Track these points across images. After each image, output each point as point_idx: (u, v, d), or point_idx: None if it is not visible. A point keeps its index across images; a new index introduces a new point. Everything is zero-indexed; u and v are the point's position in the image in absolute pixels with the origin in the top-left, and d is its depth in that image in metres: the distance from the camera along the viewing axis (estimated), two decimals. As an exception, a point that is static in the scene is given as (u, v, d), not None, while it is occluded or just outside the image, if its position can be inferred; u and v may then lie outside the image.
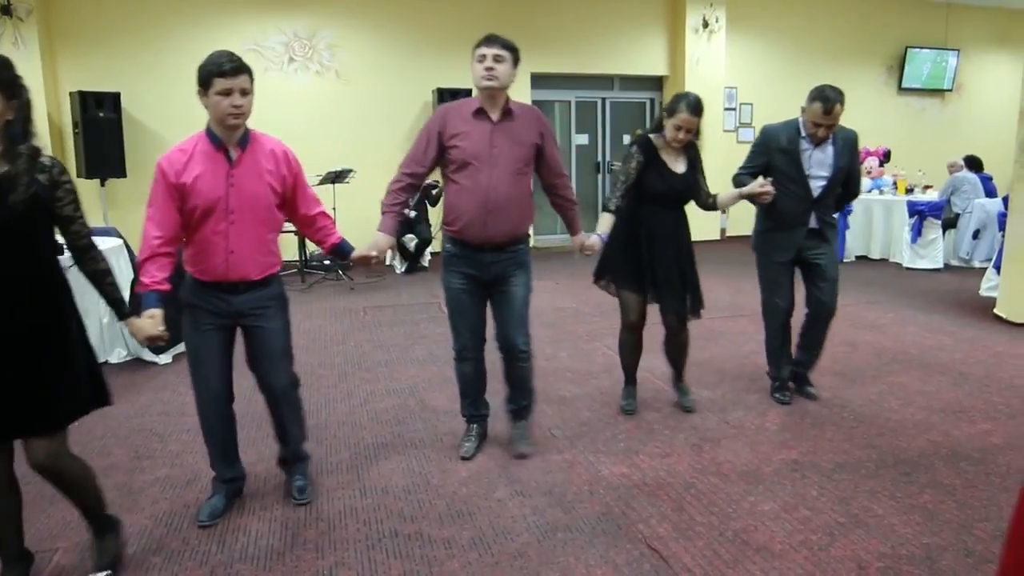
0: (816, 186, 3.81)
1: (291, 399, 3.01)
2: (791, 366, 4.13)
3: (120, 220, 7.49)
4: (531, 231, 3.19)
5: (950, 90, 12.32)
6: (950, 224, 8.44)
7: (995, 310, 5.93)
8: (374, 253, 3.08)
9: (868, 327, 5.73)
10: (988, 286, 6.50)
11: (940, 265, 8.25)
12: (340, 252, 3.05)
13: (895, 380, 4.46)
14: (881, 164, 9.20)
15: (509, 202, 3.11)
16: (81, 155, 7.70)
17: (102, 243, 5.08)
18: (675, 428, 3.73)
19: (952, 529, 2.77)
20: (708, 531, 2.76)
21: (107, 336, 4.95)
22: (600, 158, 10.65)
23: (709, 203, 3.86)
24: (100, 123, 7.68)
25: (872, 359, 4.89)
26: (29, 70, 7.57)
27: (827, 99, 3.66)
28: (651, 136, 3.68)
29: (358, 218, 8.79)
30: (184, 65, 8.25)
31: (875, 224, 8.91)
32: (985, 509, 2.91)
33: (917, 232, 8.31)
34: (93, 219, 8.35)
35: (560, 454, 3.44)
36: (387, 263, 8.66)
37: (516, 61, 3.22)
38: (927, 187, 9.32)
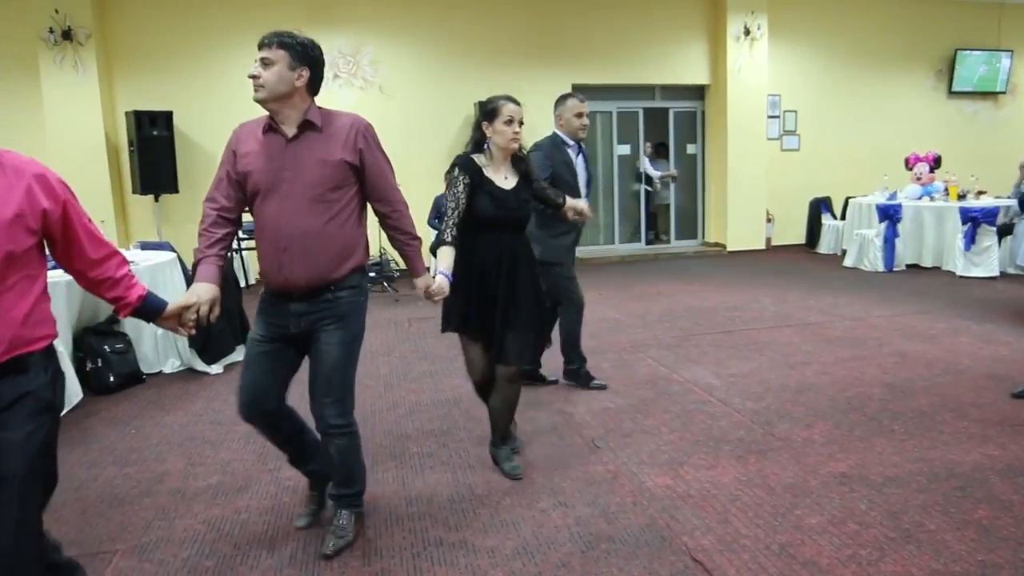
0: (582, 188, 4.24)
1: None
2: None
3: (173, 235, 7.73)
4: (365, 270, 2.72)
5: (1004, 92, 11.99)
6: (1006, 231, 8.19)
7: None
8: (193, 300, 2.37)
9: (919, 337, 5.60)
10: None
11: (996, 273, 8.01)
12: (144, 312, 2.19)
13: (947, 392, 4.35)
14: (931, 170, 8.99)
15: (307, 238, 2.50)
16: (136, 172, 7.98)
17: (156, 257, 5.29)
18: (720, 440, 3.70)
19: (1009, 546, 2.69)
20: (753, 544, 2.73)
21: (160, 347, 5.11)
22: (642, 168, 10.63)
23: (560, 202, 3.54)
24: (154, 141, 7.95)
25: (923, 370, 4.78)
26: (88, 92, 7.92)
27: (577, 94, 4.09)
28: (472, 156, 3.22)
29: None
30: (232, 84, 8.54)
31: (926, 232, 8.70)
32: (1044, 525, 2.83)
33: (971, 239, 8.09)
34: (148, 234, 8.62)
35: (603, 465, 3.44)
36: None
37: (302, 59, 2.61)
38: (980, 192, 9.08)
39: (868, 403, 4.12)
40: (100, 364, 4.64)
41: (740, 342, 5.42)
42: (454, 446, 3.73)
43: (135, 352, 4.90)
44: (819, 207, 10.52)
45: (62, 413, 2.24)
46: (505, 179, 3.23)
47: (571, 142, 4.22)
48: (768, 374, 4.73)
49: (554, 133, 4.28)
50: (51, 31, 7.79)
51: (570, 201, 3.58)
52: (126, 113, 8.05)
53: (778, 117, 10.80)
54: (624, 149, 10.53)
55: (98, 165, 8.05)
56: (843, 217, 9.97)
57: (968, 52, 11.58)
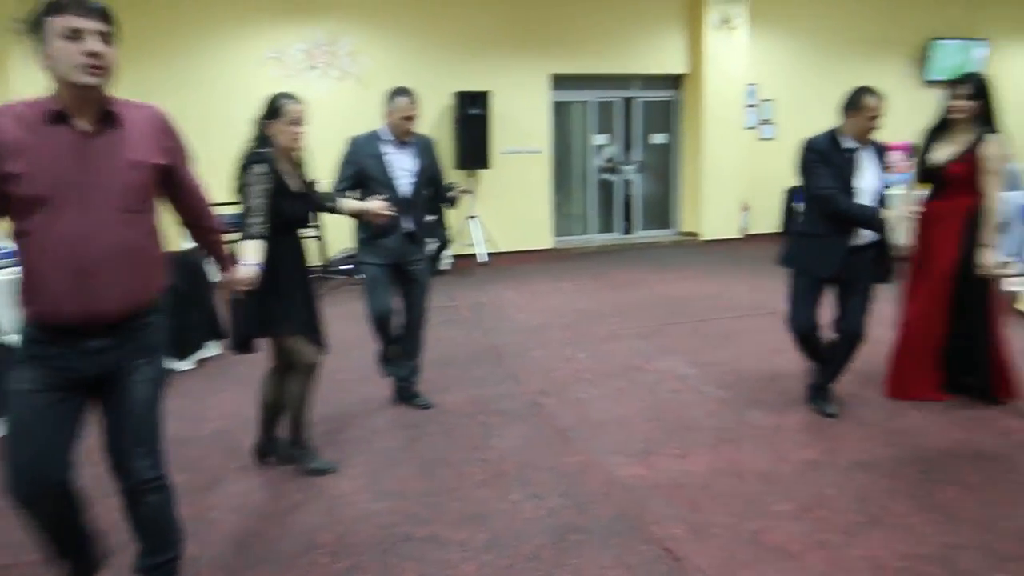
0: (404, 186, 3.94)
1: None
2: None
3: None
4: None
5: (977, 81, 12.09)
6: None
7: (1017, 304, 5.82)
8: None
9: (891, 324, 5.63)
10: (1012, 281, 6.37)
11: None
12: None
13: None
14: (907, 158, 9.06)
15: (121, 256, 2.05)
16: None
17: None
18: (692, 428, 3.71)
19: (973, 528, 2.72)
20: (724, 532, 2.74)
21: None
22: (620, 157, 10.63)
23: (329, 207, 3.55)
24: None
25: (895, 356, 4.82)
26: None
27: (406, 91, 3.85)
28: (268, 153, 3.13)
29: (379, 223, 8.89)
30: (204, 75, 8.44)
31: (901, 219, 8.77)
32: (1009, 508, 2.87)
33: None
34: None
35: (575, 456, 3.43)
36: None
37: (117, 33, 2.04)
38: (954, 180, 9.17)
39: (838, 390, 4.14)
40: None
41: (714, 331, 5.44)
42: (426, 439, 3.71)
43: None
44: (794, 196, 10.57)
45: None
46: (291, 175, 3.22)
47: (392, 137, 3.92)
48: (741, 362, 4.75)
49: (380, 128, 3.99)
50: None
51: (355, 205, 3.61)
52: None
53: (755, 106, 10.81)
54: (602, 139, 10.51)
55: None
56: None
57: (943, 41, 11.65)
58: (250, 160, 3.06)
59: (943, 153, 3.78)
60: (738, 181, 10.43)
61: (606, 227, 10.72)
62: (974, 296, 3.79)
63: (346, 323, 6.23)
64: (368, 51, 9.10)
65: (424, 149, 4.07)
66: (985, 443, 3.44)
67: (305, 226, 3.32)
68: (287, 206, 3.12)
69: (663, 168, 10.91)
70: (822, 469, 3.22)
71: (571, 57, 9.77)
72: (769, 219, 10.75)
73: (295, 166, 3.27)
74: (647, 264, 8.71)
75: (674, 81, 10.65)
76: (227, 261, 2.67)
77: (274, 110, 3.16)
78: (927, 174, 3.87)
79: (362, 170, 3.92)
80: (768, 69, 10.81)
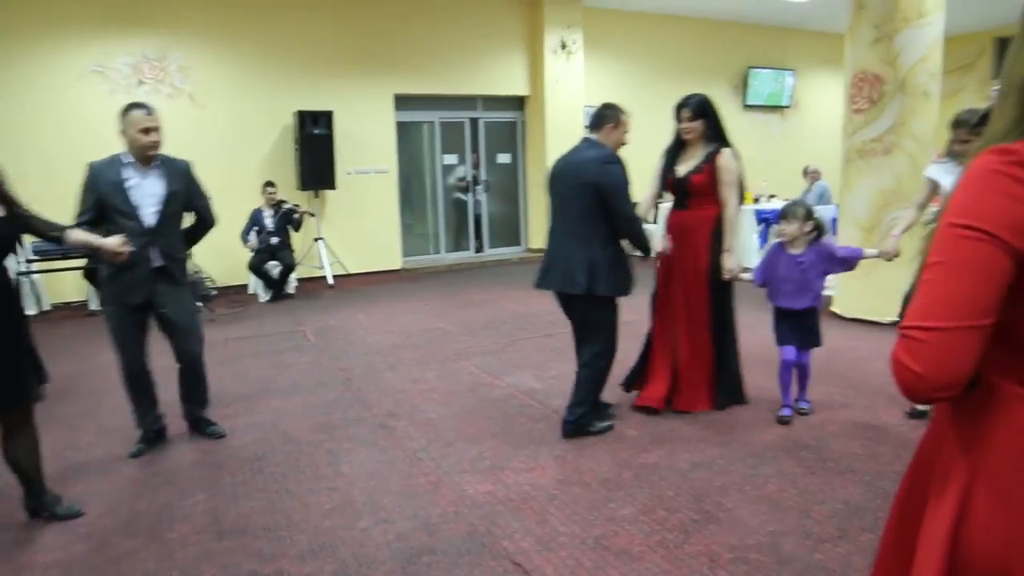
0: (149, 215, 3.60)
1: None
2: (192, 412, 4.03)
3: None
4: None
5: (788, 106, 13.27)
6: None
7: (831, 308, 6.42)
8: None
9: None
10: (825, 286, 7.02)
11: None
12: None
13: (751, 380, 4.70)
14: (730, 176, 9.76)
15: None
16: None
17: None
18: (540, 442, 3.79)
19: (794, 515, 2.95)
20: (570, 540, 2.81)
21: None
22: (469, 177, 10.76)
23: (53, 236, 3.13)
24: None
25: (725, 361, 5.16)
26: None
27: (141, 105, 3.59)
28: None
29: (216, 247, 8.45)
30: (24, 87, 7.72)
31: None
32: (822, 493, 3.13)
33: (764, 239, 8.87)
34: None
35: (426, 476, 3.41)
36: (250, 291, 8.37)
37: None
38: (772, 196, 9.99)
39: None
40: None
41: (560, 345, 5.58)
42: (270, 471, 3.55)
43: None
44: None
45: None
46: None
47: (133, 160, 3.59)
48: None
49: (122, 151, 3.64)
50: None
51: (85, 237, 3.19)
52: None
53: (594, 128, 11.31)
54: (451, 159, 10.60)
55: None
56: (655, 221, 10.60)
57: (759, 69, 12.72)
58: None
59: (684, 167, 4.05)
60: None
61: (457, 246, 10.80)
62: (720, 304, 4.08)
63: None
64: (201, 67, 8.69)
65: (174, 173, 3.70)
66: (803, 436, 3.75)
67: (7, 254, 2.91)
68: None
69: (511, 187, 11.17)
70: (662, 472, 3.38)
71: (415, 77, 9.80)
72: (611, 235, 11.25)
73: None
74: (496, 282, 8.85)
75: (518, 102, 10.94)
76: None
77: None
78: (673, 187, 4.10)
79: (101, 199, 3.52)
80: (604, 92, 11.32)
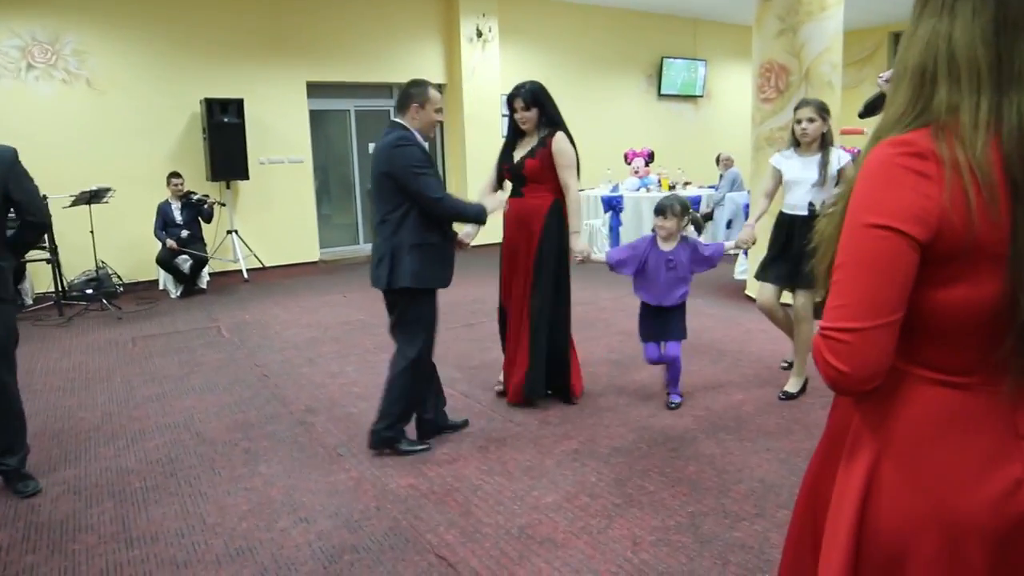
0: None
1: None
2: None
3: None
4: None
5: (701, 96, 13.60)
6: (707, 217, 9.31)
7: (746, 291, 6.63)
8: None
9: (641, 316, 6.16)
10: (740, 270, 7.26)
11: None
12: None
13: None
14: (647, 164, 9.95)
15: None
16: None
17: None
18: (463, 434, 3.77)
19: (713, 495, 3.03)
20: (495, 531, 2.80)
21: None
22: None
23: None
24: None
25: (644, 346, 5.26)
26: None
27: None
28: None
29: (121, 241, 8.07)
30: None
31: (645, 219, 9.61)
32: (739, 472, 3.23)
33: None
34: None
35: (346, 472, 3.35)
36: (160, 288, 8.03)
37: None
38: (687, 183, 10.23)
39: (597, 380, 4.44)
40: None
41: (481, 334, 5.59)
42: (183, 474, 3.42)
43: None
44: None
45: None
46: None
47: None
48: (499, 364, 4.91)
49: None
50: None
51: None
52: None
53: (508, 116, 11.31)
54: (370, 148, 10.41)
55: None
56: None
57: (672, 60, 12.97)
58: None
59: (518, 154, 4.01)
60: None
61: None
62: (555, 292, 4.01)
63: (88, 354, 5.60)
64: (99, 52, 8.24)
65: None
66: (722, 418, 3.86)
67: None
68: None
69: (430, 176, 11.06)
70: (583, 458, 3.42)
71: (328, 64, 9.57)
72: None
73: None
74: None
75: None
76: None
77: None
78: (509, 173, 4.05)
79: None
80: (521, 80, 11.34)
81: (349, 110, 10.10)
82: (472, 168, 10.52)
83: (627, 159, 9.96)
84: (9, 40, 7.77)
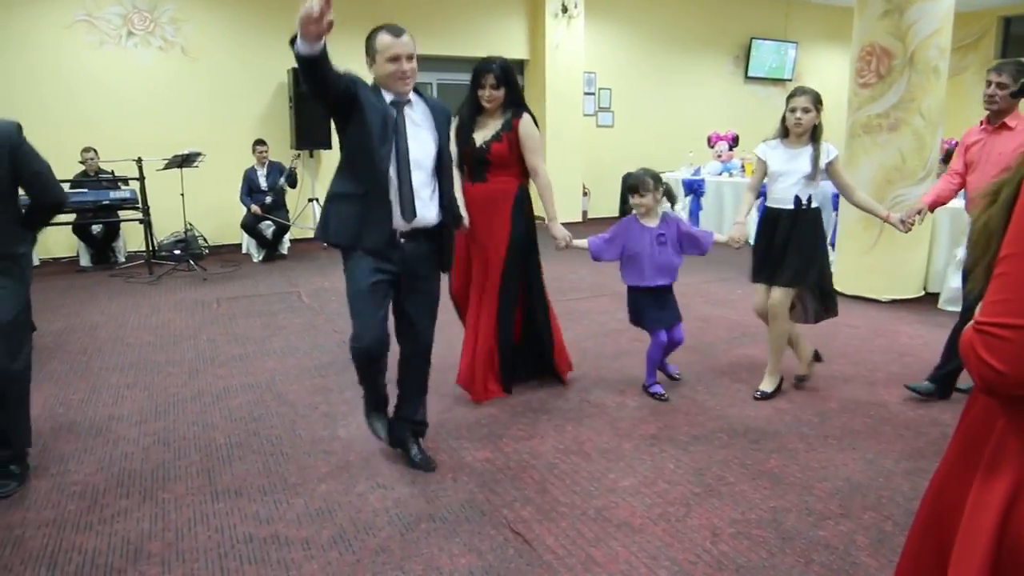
0: None
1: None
2: None
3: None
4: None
5: (791, 79, 13.12)
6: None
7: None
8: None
9: (720, 303, 6.02)
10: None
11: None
12: None
13: (745, 352, 4.70)
14: (730, 148, 9.68)
15: None
16: None
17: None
18: (538, 410, 3.75)
19: (796, 491, 2.94)
20: (571, 511, 2.78)
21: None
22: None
23: None
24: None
25: (723, 333, 5.14)
26: None
27: None
28: None
29: (208, 205, 8.33)
30: (4, 37, 7.50)
31: (726, 205, 9.37)
32: (824, 470, 3.11)
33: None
34: None
35: (423, 441, 3.37)
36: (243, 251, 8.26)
37: None
38: (772, 170, 9.91)
39: (677, 367, 4.35)
40: None
41: (559, 311, 5.52)
42: (265, 433, 3.51)
43: None
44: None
45: None
46: None
47: None
48: (585, 342, 4.88)
49: None
50: None
51: None
52: None
53: (593, 94, 11.15)
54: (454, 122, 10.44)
55: None
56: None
57: (761, 41, 12.55)
58: None
59: (480, 136, 3.78)
60: (579, 166, 10.73)
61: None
62: (530, 277, 3.89)
63: (176, 312, 5.81)
64: (193, 20, 8.48)
65: None
66: (804, 413, 3.73)
67: None
68: None
69: (507, 153, 11.04)
70: (662, 444, 3.36)
71: (414, 36, 9.59)
72: (609, 203, 11.17)
73: None
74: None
75: (517, 67, 10.75)
76: None
77: None
78: (471, 157, 3.79)
79: None
80: (605, 58, 11.18)
81: (432, 83, 10.12)
82: (552, 145, 10.43)
83: (710, 142, 9.70)
84: (112, 7, 8.06)
